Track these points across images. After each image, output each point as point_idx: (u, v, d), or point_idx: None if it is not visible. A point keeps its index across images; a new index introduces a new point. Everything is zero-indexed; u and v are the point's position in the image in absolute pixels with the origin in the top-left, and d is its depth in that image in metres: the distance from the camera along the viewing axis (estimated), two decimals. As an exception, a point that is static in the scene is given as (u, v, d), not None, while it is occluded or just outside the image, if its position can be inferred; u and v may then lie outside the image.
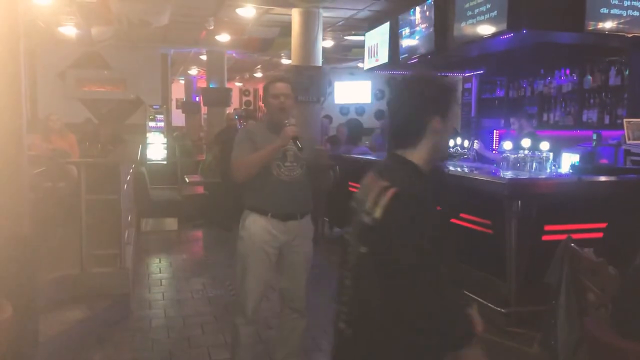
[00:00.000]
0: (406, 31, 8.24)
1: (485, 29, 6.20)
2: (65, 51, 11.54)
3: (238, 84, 21.88)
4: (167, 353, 4.15)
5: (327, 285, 5.80)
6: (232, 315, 3.43)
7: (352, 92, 15.15)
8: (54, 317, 4.31)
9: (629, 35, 5.82)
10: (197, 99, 17.66)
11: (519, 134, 6.66)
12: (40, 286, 4.00)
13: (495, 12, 5.98)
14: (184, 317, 4.92)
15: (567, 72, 7.47)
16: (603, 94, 6.92)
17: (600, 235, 4.35)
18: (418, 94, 1.80)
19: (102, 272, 5.03)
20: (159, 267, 6.70)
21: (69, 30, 9.97)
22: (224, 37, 10.96)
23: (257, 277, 3.29)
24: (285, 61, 13.31)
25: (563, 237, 3.23)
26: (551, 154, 5.13)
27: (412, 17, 8.01)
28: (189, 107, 17.90)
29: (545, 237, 4.47)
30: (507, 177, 4.63)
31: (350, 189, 7.63)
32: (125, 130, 11.34)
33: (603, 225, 4.37)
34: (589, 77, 7.06)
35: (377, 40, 9.37)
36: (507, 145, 5.53)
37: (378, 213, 1.69)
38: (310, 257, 3.45)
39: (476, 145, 6.60)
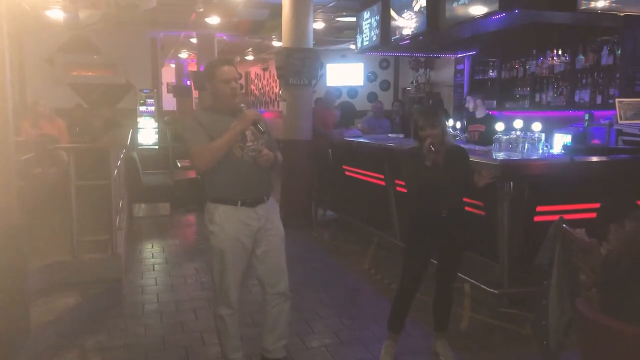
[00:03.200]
0: (398, 12, 8.16)
1: (477, 9, 6.15)
2: (53, 35, 11.37)
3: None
4: (160, 338, 4.14)
5: (319, 269, 5.83)
6: (214, 308, 3.36)
7: (344, 75, 15.05)
8: (45, 304, 4.30)
9: (622, 14, 5.78)
10: (188, 82, 17.53)
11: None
12: (31, 273, 3.98)
13: (487, -9, 5.92)
14: (176, 302, 4.91)
15: (560, 52, 7.43)
16: (595, 73, 6.89)
17: (592, 215, 4.34)
18: None
19: (93, 258, 5.01)
20: (151, 253, 6.68)
21: (56, 14, 9.79)
22: (214, 20, 10.83)
23: (237, 269, 3.24)
24: (276, 43, 13.18)
25: (555, 217, 3.22)
26: (543, 135, 5.11)
27: (404, -2, 7.92)
28: (180, 91, 17.76)
29: (537, 218, 4.47)
30: (499, 158, 4.61)
31: (345, 172, 7.61)
32: (116, 115, 11.24)
33: (595, 205, 4.37)
34: (581, 57, 7.03)
35: (368, 21, 9.28)
36: (499, 126, 5.52)
37: None
38: (283, 235, 3.38)
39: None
